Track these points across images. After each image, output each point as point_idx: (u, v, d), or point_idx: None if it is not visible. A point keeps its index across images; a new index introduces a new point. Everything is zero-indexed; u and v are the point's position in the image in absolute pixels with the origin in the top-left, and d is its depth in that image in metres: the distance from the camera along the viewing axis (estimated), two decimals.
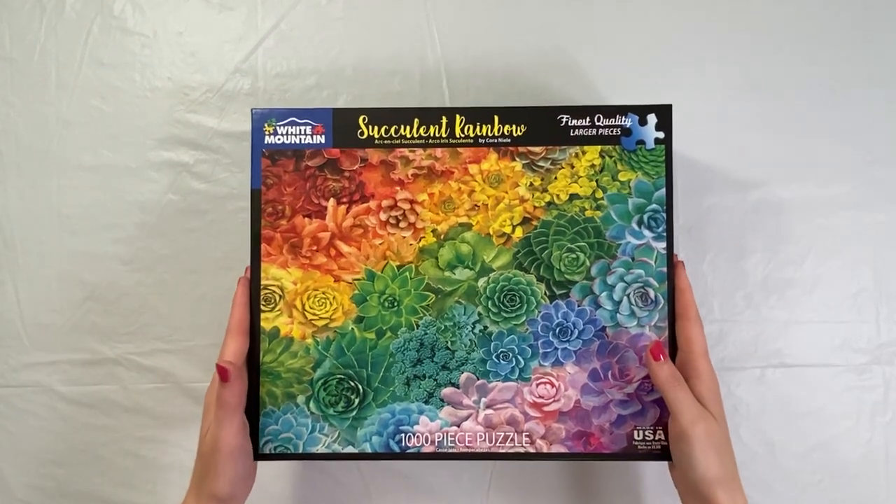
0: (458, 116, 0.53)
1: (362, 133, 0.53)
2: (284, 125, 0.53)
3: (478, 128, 0.52)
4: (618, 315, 0.53)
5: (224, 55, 0.66)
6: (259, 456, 0.53)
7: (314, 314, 0.53)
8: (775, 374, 0.62)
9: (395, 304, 0.53)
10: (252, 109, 0.54)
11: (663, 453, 0.53)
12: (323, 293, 0.53)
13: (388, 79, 0.65)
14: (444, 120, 0.52)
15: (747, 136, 0.65)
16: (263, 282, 0.53)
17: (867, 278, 0.64)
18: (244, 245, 0.62)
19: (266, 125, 0.52)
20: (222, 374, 0.48)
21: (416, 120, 0.53)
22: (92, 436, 0.64)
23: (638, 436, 0.52)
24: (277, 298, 0.53)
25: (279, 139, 0.53)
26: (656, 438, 0.52)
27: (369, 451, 0.53)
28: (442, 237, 0.53)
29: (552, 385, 0.53)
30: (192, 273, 0.64)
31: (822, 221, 0.64)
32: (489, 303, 0.53)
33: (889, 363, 0.63)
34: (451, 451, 0.53)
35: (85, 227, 0.65)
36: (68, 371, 0.65)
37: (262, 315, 0.53)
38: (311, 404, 0.53)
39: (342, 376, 0.53)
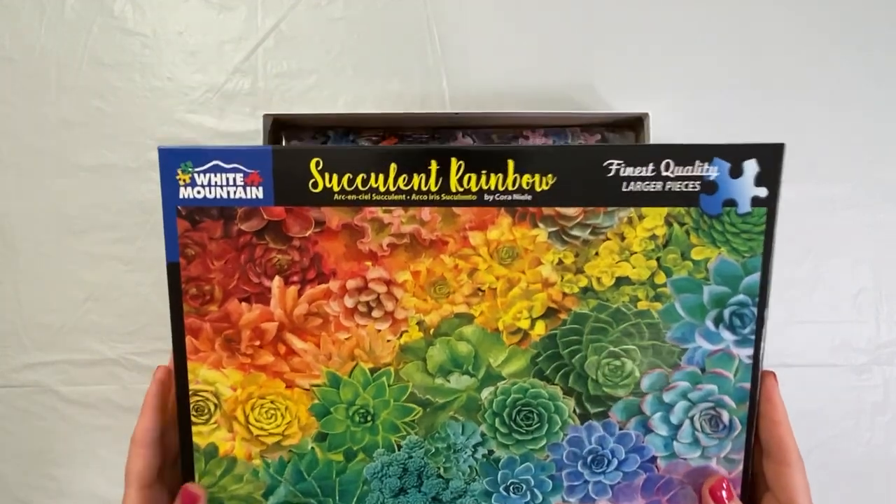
0: (454, 161, 0.36)
1: (316, 184, 0.37)
2: (205, 172, 0.37)
3: (483, 178, 0.36)
4: (675, 443, 0.39)
5: (224, 55, 0.59)
6: None
7: (261, 429, 0.40)
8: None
9: (369, 418, 0.40)
10: (159, 148, 0.37)
11: None
12: (272, 402, 0.40)
13: (388, 79, 0.58)
14: (434, 166, 0.36)
15: (747, 135, 0.57)
16: (193, 386, 0.39)
17: (867, 278, 0.58)
18: None
19: (179, 172, 0.37)
20: None
21: (392, 166, 0.36)
22: (92, 436, 0.59)
23: None
24: (212, 408, 0.40)
25: (199, 192, 0.37)
26: None
27: None
28: (431, 332, 0.39)
29: None
30: None
31: (822, 221, 0.58)
32: (496, 420, 0.40)
33: (889, 363, 0.58)
34: None
35: (85, 227, 0.59)
36: (68, 371, 0.59)
37: (195, 428, 0.40)
38: None
39: None
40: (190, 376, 0.40)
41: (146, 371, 0.57)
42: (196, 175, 0.37)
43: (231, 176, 0.37)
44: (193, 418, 0.40)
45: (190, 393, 0.40)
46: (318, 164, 0.37)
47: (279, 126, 0.57)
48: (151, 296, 0.59)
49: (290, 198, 0.37)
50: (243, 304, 0.39)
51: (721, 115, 0.59)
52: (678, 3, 0.60)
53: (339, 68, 0.59)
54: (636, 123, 0.54)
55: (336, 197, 0.38)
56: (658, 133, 0.57)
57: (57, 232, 0.59)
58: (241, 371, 0.40)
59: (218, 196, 0.38)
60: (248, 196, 0.38)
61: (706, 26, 0.60)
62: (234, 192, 0.38)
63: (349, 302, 0.39)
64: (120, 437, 0.60)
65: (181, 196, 0.38)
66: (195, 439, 0.40)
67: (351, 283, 0.39)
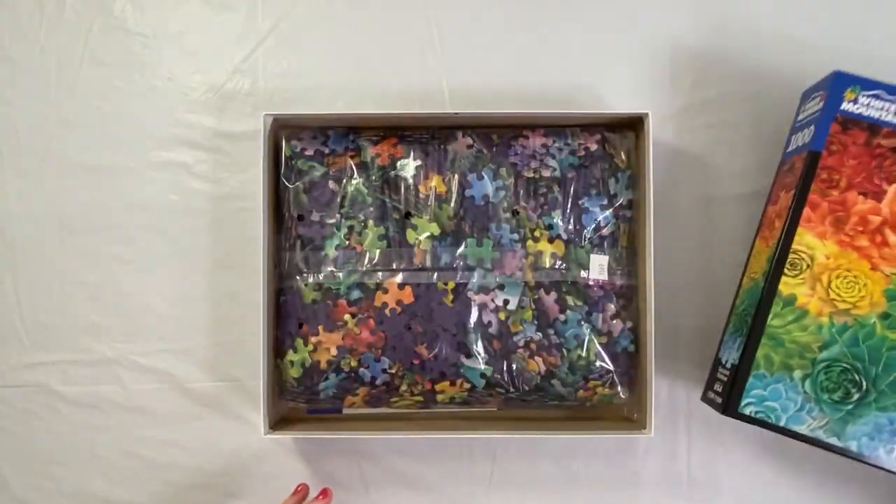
0: None
1: None
2: (869, 96, 0.49)
3: None
4: None
5: (224, 55, 0.59)
6: (736, 415, 0.48)
7: (838, 295, 0.49)
8: None
9: None
10: (837, 71, 0.49)
11: None
12: (854, 277, 0.49)
13: (388, 79, 0.59)
14: None
15: None
16: (795, 246, 0.49)
17: None
18: (244, 245, 0.56)
19: (848, 91, 0.49)
20: None
21: None
22: (92, 436, 0.58)
23: None
24: (805, 266, 0.48)
25: (858, 109, 0.49)
26: None
27: (855, 449, 0.48)
28: None
29: None
30: (192, 273, 0.59)
31: None
32: None
33: None
34: None
35: (85, 227, 0.59)
36: (68, 371, 0.59)
37: (784, 279, 0.48)
38: (807, 383, 0.48)
39: (848, 366, 0.48)
40: (795, 239, 0.49)
41: (146, 371, 0.58)
42: (861, 97, 0.49)
43: (889, 104, 0.49)
44: (786, 270, 0.49)
45: (791, 251, 0.49)
46: None
47: (279, 126, 0.57)
48: (151, 296, 0.59)
49: None
50: (860, 196, 0.49)
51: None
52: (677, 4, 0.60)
53: (339, 68, 0.59)
54: (636, 123, 0.54)
55: None
56: (659, 133, 0.57)
57: (57, 232, 0.59)
58: (838, 245, 0.49)
59: (872, 115, 0.49)
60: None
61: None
62: (885, 116, 0.49)
63: None
64: (120, 437, 0.60)
65: (842, 107, 0.49)
66: (780, 287, 0.49)
67: None
